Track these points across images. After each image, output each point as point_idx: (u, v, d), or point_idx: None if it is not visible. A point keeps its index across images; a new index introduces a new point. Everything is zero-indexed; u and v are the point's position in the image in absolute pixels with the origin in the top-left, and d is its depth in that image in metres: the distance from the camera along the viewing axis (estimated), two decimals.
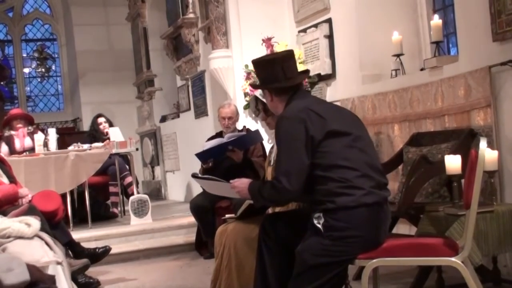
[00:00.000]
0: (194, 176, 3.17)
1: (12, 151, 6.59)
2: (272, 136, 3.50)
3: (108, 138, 7.02)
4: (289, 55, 2.97)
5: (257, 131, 3.45)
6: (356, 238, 2.61)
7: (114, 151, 6.61)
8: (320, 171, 2.65)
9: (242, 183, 2.91)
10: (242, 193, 2.90)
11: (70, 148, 6.60)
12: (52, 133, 6.61)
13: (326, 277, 2.63)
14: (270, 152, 3.53)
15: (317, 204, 2.67)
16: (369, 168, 2.67)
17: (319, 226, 2.63)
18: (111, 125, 7.56)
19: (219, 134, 5.47)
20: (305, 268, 2.65)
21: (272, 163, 3.38)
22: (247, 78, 6.24)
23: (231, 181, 2.95)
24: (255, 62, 3.02)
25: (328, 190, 2.63)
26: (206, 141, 5.17)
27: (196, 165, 5.88)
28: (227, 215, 3.57)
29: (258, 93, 3.21)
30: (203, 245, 5.59)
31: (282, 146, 2.72)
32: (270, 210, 3.45)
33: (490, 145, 3.79)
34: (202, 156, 4.64)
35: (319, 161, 2.65)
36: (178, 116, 9.07)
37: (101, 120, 7.63)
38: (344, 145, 2.67)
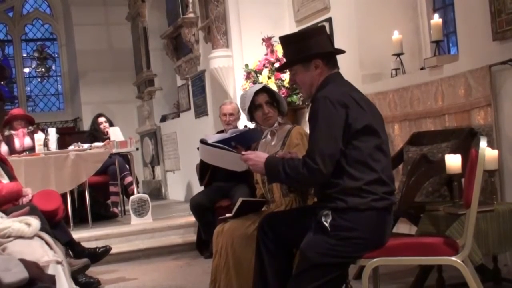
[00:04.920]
0: (202, 142, 3.05)
1: (12, 150, 6.60)
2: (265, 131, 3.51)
3: (108, 138, 7.02)
4: None
5: (258, 129, 3.44)
6: (361, 239, 2.61)
7: (114, 150, 6.61)
8: (345, 163, 2.61)
9: (258, 156, 2.81)
10: (257, 167, 2.79)
11: (70, 147, 6.61)
12: (52, 133, 6.62)
13: (328, 277, 2.63)
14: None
15: (327, 201, 2.65)
16: (385, 174, 2.67)
17: (326, 224, 2.61)
18: (111, 124, 7.57)
19: (221, 133, 5.47)
20: (308, 266, 2.63)
21: None
22: (247, 77, 6.24)
23: (243, 152, 2.88)
24: (302, 32, 2.89)
25: (342, 188, 2.61)
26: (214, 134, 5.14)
27: (196, 161, 5.89)
28: (227, 215, 3.56)
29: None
30: (204, 244, 5.59)
31: (320, 126, 2.61)
32: (265, 208, 3.45)
33: (491, 144, 3.79)
34: None
35: (348, 152, 2.61)
36: (178, 116, 9.07)
37: (101, 119, 7.64)
38: (375, 145, 2.66)
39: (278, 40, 6.23)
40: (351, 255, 2.64)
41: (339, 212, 2.61)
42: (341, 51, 2.90)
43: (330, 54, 2.85)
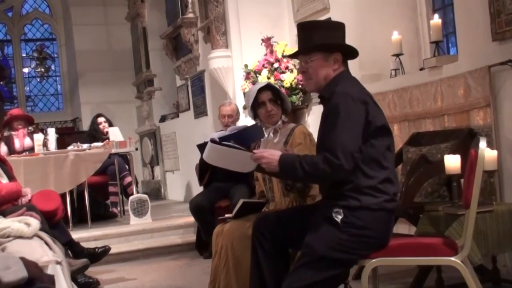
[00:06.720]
0: (212, 141, 2.90)
1: (12, 151, 6.60)
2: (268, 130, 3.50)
3: (108, 138, 7.02)
4: None
5: (260, 126, 3.38)
6: (371, 238, 2.61)
7: (113, 151, 6.61)
8: (360, 160, 2.58)
9: (271, 154, 2.70)
10: (271, 165, 2.68)
11: (70, 148, 6.60)
12: (52, 133, 6.62)
13: (330, 272, 2.60)
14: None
15: (338, 199, 2.62)
16: (393, 174, 2.68)
17: (337, 220, 2.59)
18: (110, 125, 7.57)
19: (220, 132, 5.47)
20: (313, 258, 2.59)
21: None
22: (247, 78, 6.24)
23: (255, 150, 2.81)
24: (330, 22, 2.85)
25: (356, 186, 2.59)
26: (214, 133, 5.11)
27: (196, 162, 5.89)
28: (226, 215, 3.56)
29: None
30: (203, 244, 5.59)
31: (342, 122, 2.55)
32: (265, 209, 3.45)
33: (490, 144, 3.79)
34: (204, 148, 4.53)
35: (365, 149, 2.59)
36: (178, 116, 9.07)
37: (100, 119, 7.64)
38: (387, 145, 2.66)
39: (277, 40, 6.28)
40: (359, 252, 2.62)
41: (351, 210, 2.58)
42: (357, 52, 2.83)
43: (351, 52, 2.80)
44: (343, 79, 2.73)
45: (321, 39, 2.72)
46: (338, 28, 2.80)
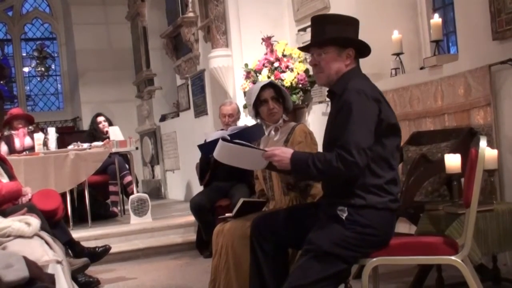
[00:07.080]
0: (224, 139, 2.85)
1: (12, 150, 6.60)
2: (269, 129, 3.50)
3: (108, 137, 7.02)
4: None
5: (260, 125, 3.37)
6: (374, 237, 2.61)
7: (113, 150, 6.61)
8: (369, 159, 2.57)
9: (283, 151, 2.66)
10: (282, 163, 2.64)
11: (70, 147, 6.61)
12: (52, 132, 6.62)
13: (334, 269, 2.59)
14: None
15: (343, 197, 2.61)
16: (397, 174, 2.68)
17: (342, 217, 2.58)
18: (110, 124, 7.57)
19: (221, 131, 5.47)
20: (317, 254, 2.57)
21: None
22: (247, 77, 6.24)
23: (266, 148, 2.78)
24: (345, 16, 2.82)
25: (363, 184, 2.58)
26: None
27: (196, 161, 5.89)
28: (226, 214, 3.56)
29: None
30: (203, 244, 5.59)
31: (355, 119, 2.53)
32: (265, 209, 3.44)
33: (490, 144, 3.79)
34: (205, 148, 4.53)
35: (375, 148, 2.58)
36: (178, 115, 9.07)
37: (100, 119, 7.63)
38: (396, 145, 2.66)
39: (278, 39, 6.28)
40: (362, 250, 2.62)
41: (356, 209, 2.58)
42: (370, 50, 2.80)
43: (364, 49, 2.79)
44: (355, 76, 2.72)
45: (335, 33, 2.71)
46: (352, 23, 2.79)
